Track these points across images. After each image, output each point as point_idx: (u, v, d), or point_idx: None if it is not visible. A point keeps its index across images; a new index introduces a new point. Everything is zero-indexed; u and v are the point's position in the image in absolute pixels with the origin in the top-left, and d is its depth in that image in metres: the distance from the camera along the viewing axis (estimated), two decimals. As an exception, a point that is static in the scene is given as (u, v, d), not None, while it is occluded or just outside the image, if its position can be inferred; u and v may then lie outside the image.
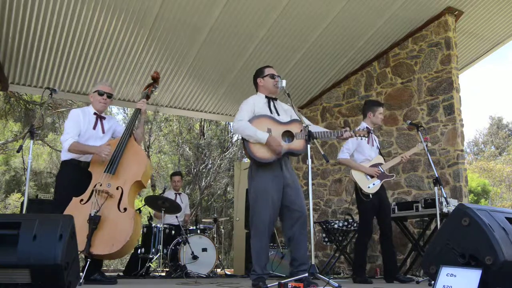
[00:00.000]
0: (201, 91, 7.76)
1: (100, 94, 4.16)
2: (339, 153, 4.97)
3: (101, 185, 3.84)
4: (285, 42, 6.70)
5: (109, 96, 4.21)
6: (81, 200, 3.81)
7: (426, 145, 4.84)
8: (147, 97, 4.36)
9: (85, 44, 6.30)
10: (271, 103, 3.86)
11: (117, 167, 3.93)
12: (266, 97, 3.88)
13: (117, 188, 3.88)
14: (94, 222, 3.61)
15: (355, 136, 3.84)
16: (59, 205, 3.82)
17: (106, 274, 5.27)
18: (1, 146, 14.52)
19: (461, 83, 6.55)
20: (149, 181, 17.08)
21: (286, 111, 3.89)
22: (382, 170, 4.82)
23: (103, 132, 4.17)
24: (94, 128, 4.11)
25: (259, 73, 3.96)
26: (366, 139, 4.79)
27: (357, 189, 4.81)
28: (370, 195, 4.73)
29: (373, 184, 4.76)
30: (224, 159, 16.25)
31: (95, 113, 4.17)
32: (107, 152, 3.90)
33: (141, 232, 6.72)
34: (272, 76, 3.86)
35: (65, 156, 4.02)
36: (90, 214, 3.64)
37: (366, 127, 4.12)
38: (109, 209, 3.77)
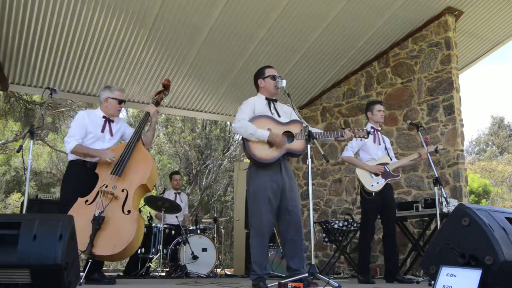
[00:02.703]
0: (201, 91, 7.76)
1: (120, 102, 4.23)
2: (343, 151, 4.97)
3: (106, 187, 3.86)
4: (285, 42, 6.70)
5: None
6: (87, 200, 3.82)
7: (427, 145, 4.84)
8: (157, 103, 4.41)
9: (85, 44, 6.30)
10: (271, 105, 3.83)
11: (124, 169, 3.95)
12: (267, 98, 3.85)
13: (122, 190, 3.90)
14: (98, 222, 3.63)
15: (355, 136, 3.83)
16: (65, 205, 3.83)
17: (106, 274, 5.28)
18: (1, 146, 14.52)
19: (461, 83, 6.56)
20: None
21: (286, 113, 3.86)
22: (387, 169, 4.81)
23: (111, 135, 4.20)
24: (102, 131, 4.15)
25: (259, 74, 3.92)
26: (372, 138, 4.84)
27: (361, 187, 4.81)
28: (373, 193, 4.72)
29: (377, 183, 4.75)
30: (224, 159, 16.25)
31: (104, 117, 4.20)
32: (110, 157, 3.94)
33: (141, 232, 6.72)
34: (273, 77, 3.82)
35: (72, 156, 4.05)
36: (94, 214, 3.66)
37: (365, 129, 4.09)
38: (113, 210, 3.79)
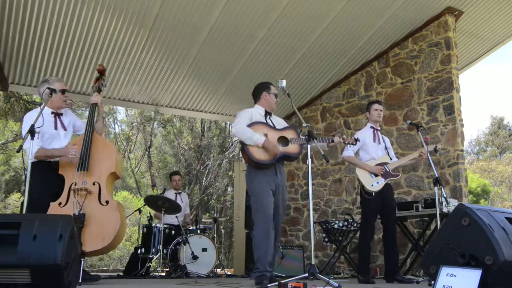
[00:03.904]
0: (201, 91, 7.76)
1: (63, 93, 4.15)
2: (344, 150, 4.99)
3: (76, 184, 3.84)
4: (285, 42, 6.70)
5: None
6: (60, 203, 3.80)
7: (427, 144, 4.84)
8: (99, 90, 4.37)
9: (85, 44, 6.30)
10: (267, 116, 4.08)
11: (89, 163, 3.94)
12: (264, 110, 4.08)
13: (93, 184, 3.91)
14: (80, 220, 3.63)
15: (344, 143, 4.15)
16: (34, 207, 3.59)
17: (106, 274, 5.28)
18: (1, 146, 14.51)
19: (461, 83, 6.55)
20: (149, 181, 17.08)
21: (279, 123, 4.12)
22: (387, 169, 4.82)
23: (65, 129, 4.15)
24: (56, 128, 4.08)
25: (266, 88, 4.12)
26: (372, 137, 4.89)
27: (361, 187, 4.82)
28: (373, 193, 4.73)
29: (377, 183, 4.76)
30: (224, 159, 16.24)
31: (52, 112, 4.12)
32: (74, 152, 3.89)
33: (141, 232, 6.73)
34: (276, 96, 4.12)
35: (33, 159, 3.88)
36: (74, 214, 3.64)
37: (354, 137, 4.35)
38: (91, 205, 3.81)
